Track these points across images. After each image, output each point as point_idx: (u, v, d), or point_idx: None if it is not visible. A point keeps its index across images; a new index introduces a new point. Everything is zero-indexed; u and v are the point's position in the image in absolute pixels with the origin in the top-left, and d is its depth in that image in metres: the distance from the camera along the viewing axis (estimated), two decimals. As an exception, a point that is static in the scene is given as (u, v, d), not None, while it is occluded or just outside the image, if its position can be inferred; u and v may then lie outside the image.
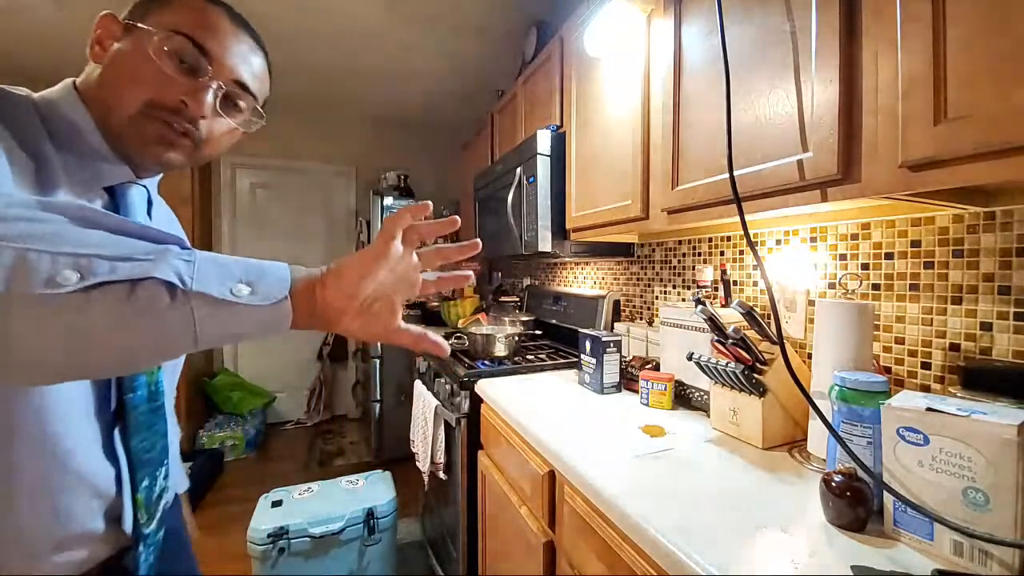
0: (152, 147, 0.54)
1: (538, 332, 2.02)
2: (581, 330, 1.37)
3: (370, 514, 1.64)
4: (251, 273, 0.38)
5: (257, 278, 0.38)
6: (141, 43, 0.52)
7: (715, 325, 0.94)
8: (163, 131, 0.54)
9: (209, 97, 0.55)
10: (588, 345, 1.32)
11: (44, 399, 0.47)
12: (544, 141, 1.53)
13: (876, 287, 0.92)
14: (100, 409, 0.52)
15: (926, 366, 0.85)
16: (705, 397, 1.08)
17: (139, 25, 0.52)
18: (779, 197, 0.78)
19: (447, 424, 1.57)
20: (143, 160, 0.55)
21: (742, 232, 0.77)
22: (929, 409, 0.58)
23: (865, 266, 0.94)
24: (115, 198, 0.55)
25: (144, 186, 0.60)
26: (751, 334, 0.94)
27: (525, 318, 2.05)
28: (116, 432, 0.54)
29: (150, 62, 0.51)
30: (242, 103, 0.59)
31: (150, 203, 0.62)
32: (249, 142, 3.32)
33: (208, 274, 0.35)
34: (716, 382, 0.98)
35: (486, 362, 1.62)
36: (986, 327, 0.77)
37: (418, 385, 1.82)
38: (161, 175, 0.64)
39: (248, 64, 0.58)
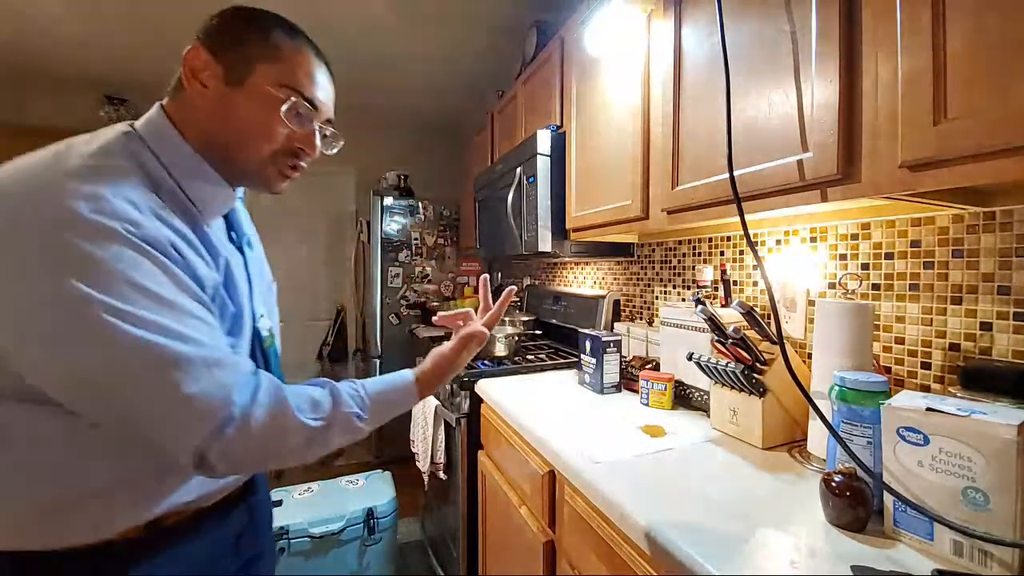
0: (274, 183, 0.65)
1: (538, 332, 2.02)
2: (581, 330, 1.37)
3: (370, 514, 1.64)
4: (395, 401, 0.66)
5: (397, 401, 0.66)
6: (266, 104, 0.59)
7: (715, 325, 0.93)
8: (285, 171, 0.64)
9: (318, 140, 0.65)
10: (588, 345, 1.32)
11: None
12: (544, 141, 1.53)
13: (876, 287, 0.92)
14: None
15: (926, 366, 0.85)
16: (705, 397, 1.08)
17: (251, 77, 0.58)
18: (779, 197, 0.78)
19: (447, 424, 1.57)
20: (259, 190, 0.67)
21: (742, 232, 0.77)
22: (929, 409, 0.58)
23: (865, 266, 0.94)
24: (227, 214, 0.68)
25: (240, 199, 0.72)
26: (751, 334, 0.94)
27: (525, 318, 2.06)
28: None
29: (279, 123, 0.59)
30: (328, 131, 0.67)
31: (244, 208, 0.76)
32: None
33: (375, 414, 0.62)
34: (716, 382, 0.98)
35: (486, 362, 1.62)
36: (986, 327, 0.77)
37: (418, 385, 1.82)
38: None
39: (331, 100, 0.67)
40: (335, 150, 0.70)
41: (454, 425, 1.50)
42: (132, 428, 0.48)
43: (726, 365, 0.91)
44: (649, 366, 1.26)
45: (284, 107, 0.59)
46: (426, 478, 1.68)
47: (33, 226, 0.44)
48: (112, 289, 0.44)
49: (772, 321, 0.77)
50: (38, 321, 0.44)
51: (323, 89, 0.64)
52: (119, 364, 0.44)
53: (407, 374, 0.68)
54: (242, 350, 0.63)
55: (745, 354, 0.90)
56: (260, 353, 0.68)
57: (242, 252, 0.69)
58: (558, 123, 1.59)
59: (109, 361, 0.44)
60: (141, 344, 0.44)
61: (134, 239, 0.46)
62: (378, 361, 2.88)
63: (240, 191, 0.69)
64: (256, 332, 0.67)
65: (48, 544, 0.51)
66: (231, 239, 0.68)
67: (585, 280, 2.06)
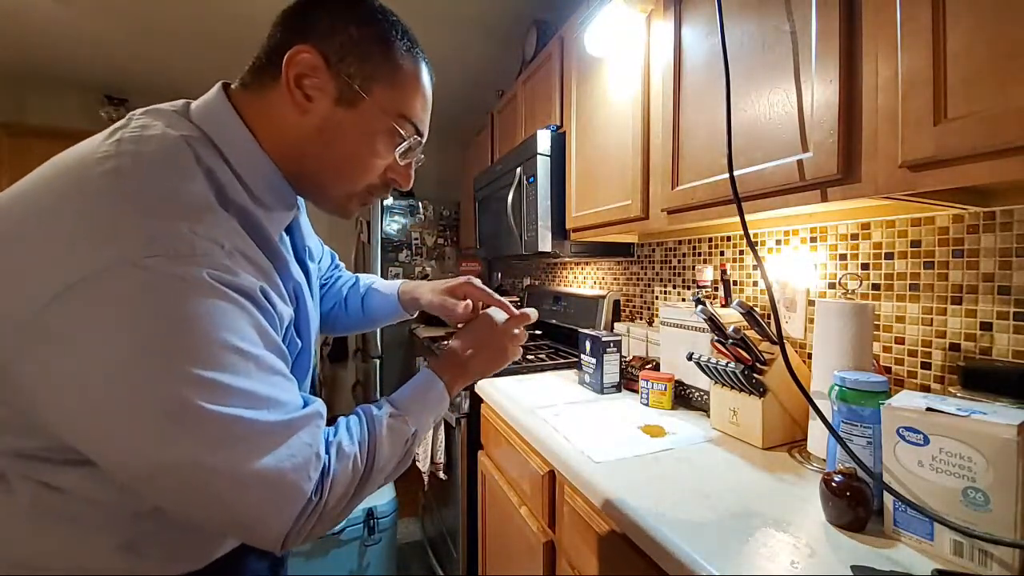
0: (350, 212, 0.58)
1: (538, 332, 2.02)
2: (581, 330, 1.37)
3: (370, 514, 1.64)
4: (432, 410, 0.59)
5: (434, 406, 0.60)
6: (379, 136, 0.51)
7: (715, 325, 0.93)
8: (366, 200, 0.58)
9: (412, 171, 0.58)
10: (588, 345, 1.32)
11: None
12: (544, 141, 1.53)
13: (876, 287, 0.92)
14: None
15: (926, 366, 0.85)
16: (705, 397, 1.08)
17: (367, 100, 0.50)
18: (779, 197, 0.78)
19: (447, 424, 1.57)
20: (327, 211, 0.59)
21: (742, 232, 0.77)
22: (929, 409, 0.58)
23: (865, 266, 0.94)
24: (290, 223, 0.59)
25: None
26: (751, 334, 0.94)
27: (525, 318, 2.05)
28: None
29: (383, 156, 0.53)
30: (421, 156, 0.60)
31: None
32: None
33: (422, 424, 0.57)
34: (716, 382, 0.98)
35: (486, 362, 1.62)
36: (986, 327, 0.77)
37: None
38: None
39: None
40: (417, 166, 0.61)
41: (454, 425, 1.50)
42: (207, 520, 0.41)
43: (726, 365, 0.91)
44: (649, 366, 1.26)
45: (402, 146, 0.52)
46: (426, 478, 1.68)
47: (114, 287, 0.35)
48: (198, 356, 0.37)
49: (772, 321, 0.77)
50: (102, 394, 0.36)
51: (428, 111, 0.56)
52: (202, 448, 0.37)
53: (429, 374, 0.62)
54: (306, 386, 0.57)
55: (745, 354, 0.90)
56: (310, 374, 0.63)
57: (307, 269, 0.61)
58: (558, 123, 1.59)
59: (192, 446, 0.37)
60: (228, 421, 0.38)
61: (223, 288, 0.39)
62: (378, 361, 2.88)
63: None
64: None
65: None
66: (295, 249, 0.59)
67: (585, 280, 2.06)
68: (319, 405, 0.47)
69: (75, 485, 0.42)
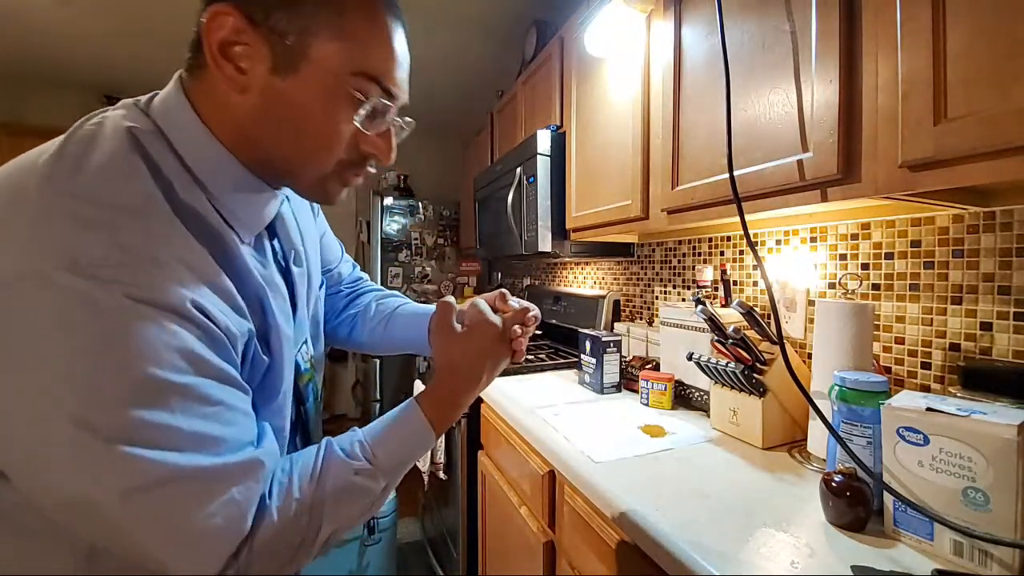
0: (332, 197, 0.50)
1: (538, 332, 2.02)
2: (581, 330, 1.37)
3: (370, 514, 1.64)
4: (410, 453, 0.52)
5: (403, 431, 0.52)
6: (332, 102, 0.43)
7: (715, 325, 0.93)
8: (348, 180, 0.49)
9: (394, 142, 0.50)
10: (588, 345, 1.32)
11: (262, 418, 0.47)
12: (544, 141, 1.53)
13: (876, 287, 0.92)
14: (291, 422, 0.54)
15: (926, 366, 0.85)
16: (705, 397, 1.08)
17: (309, 61, 0.41)
18: (779, 197, 0.78)
19: (447, 424, 1.57)
20: (312, 200, 0.55)
21: (742, 232, 0.77)
22: (929, 409, 0.58)
23: (865, 266, 0.94)
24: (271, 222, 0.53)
25: (285, 196, 0.56)
26: (751, 334, 0.94)
27: (525, 318, 2.05)
28: (298, 440, 0.58)
29: (348, 124, 0.44)
30: (401, 121, 0.51)
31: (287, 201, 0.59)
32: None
33: (390, 472, 0.50)
34: (716, 382, 0.98)
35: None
36: (986, 327, 0.77)
37: (418, 385, 1.82)
38: None
39: (408, 79, 0.49)
40: (403, 138, 0.52)
41: (454, 425, 1.50)
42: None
43: (726, 365, 0.91)
44: (649, 366, 1.26)
45: (361, 112, 0.44)
46: (426, 478, 1.68)
47: (21, 300, 0.33)
48: (106, 387, 0.33)
49: (772, 321, 0.77)
50: (6, 414, 0.33)
51: (402, 68, 0.47)
52: (106, 486, 0.33)
53: (408, 402, 0.53)
54: (272, 407, 0.49)
55: (745, 354, 0.90)
56: (296, 395, 0.55)
57: (288, 272, 0.54)
58: (558, 123, 1.59)
59: (95, 482, 0.33)
60: (136, 461, 0.33)
61: (140, 306, 0.34)
62: (378, 361, 2.88)
63: (285, 190, 0.53)
64: (296, 367, 0.54)
65: None
66: (274, 253, 0.53)
67: (585, 280, 2.06)
68: (263, 453, 0.41)
69: (24, 497, 0.38)
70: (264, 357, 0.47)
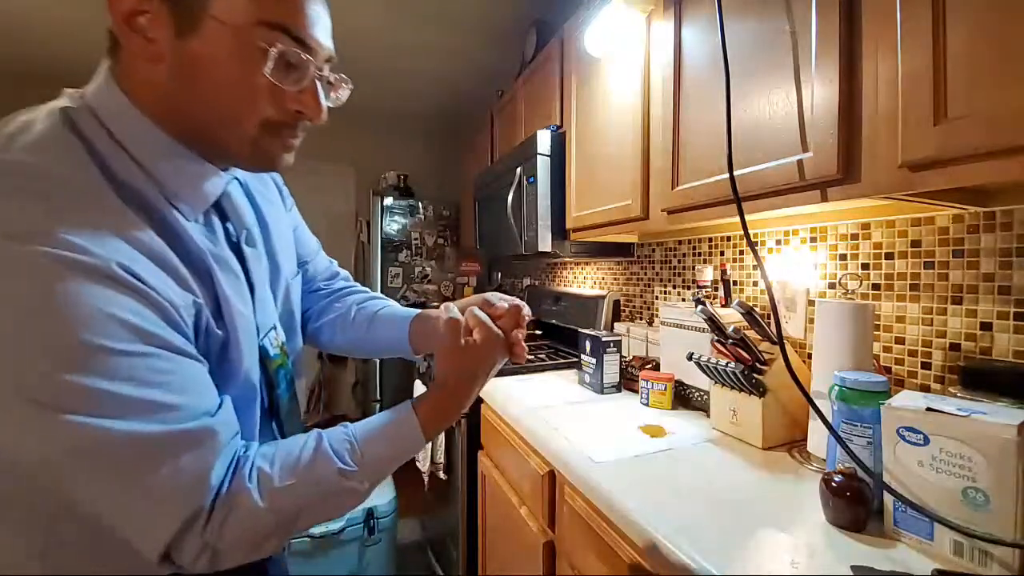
0: (275, 162, 0.49)
1: (538, 332, 2.02)
2: (581, 330, 1.37)
3: (370, 514, 1.64)
4: (391, 440, 0.51)
5: (393, 439, 0.51)
6: (238, 57, 0.41)
7: (715, 325, 0.93)
8: (286, 142, 0.48)
9: (321, 97, 0.48)
10: (588, 345, 1.32)
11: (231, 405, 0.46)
12: (544, 141, 1.53)
13: (876, 287, 0.92)
14: (262, 411, 0.54)
15: (926, 366, 0.85)
16: (705, 397, 1.08)
17: (208, 17, 0.40)
18: (779, 197, 0.78)
19: (447, 424, 1.57)
20: (257, 170, 0.53)
21: (742, 232, 0.77)
22: (929, 409, 0.58)
23: (865, 266, 0.94)
24: (218, 202, 0.52)
25: (235, 177, 0.55)
26: (751, 334, 0.94)
27: (525, 318, 2.05)
28: (273, 426, 0.58)
29: (261, 78, 0.42)
30: (332, 76, 0.49)
31: (241, 186, 0.58)
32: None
33: (376, 473, 0.49)
34: (716, 382, 0.98)
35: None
36: (986, 327, 0.77)
37: (418, 385, 1.82)
38: None
39: (329, 28, 0.48)
40: (343, 98, 0.52)
41: (454, 425, 1.50)
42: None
43: (726, 365, 0.91)
44: (649, 366, 1.26)
45: (268, 63, 0.42)
46: (426, 478, 1.68)
47: None
48: (44, 352, 0.34)
49: (772, 321, 0.77)
50: None
51: (315, 15, 0.45)
52: (52, 451, 0.35)
53: (405, 405, 0.54)
54: (237, 386, 0.49)
55: (745, 354, 0.90)
56: (265, 380, 0.54)
57: (241, 251, 0.53)
58: (558, 123, 1.59)
59: (42, 448, 0.35)
60: (79, 428, 0.34)
61: (66, 268, 0.34)
62: (378, 361, 2.88)
63: (237, 172, 0.54)
64: (262, 351, 0.53)
65: None
66: (226, 233, 0.52)
67: (585, 280, 2.06)
68: (217, 423, 0.41)
69: None
70: (218, 331, 0.46)
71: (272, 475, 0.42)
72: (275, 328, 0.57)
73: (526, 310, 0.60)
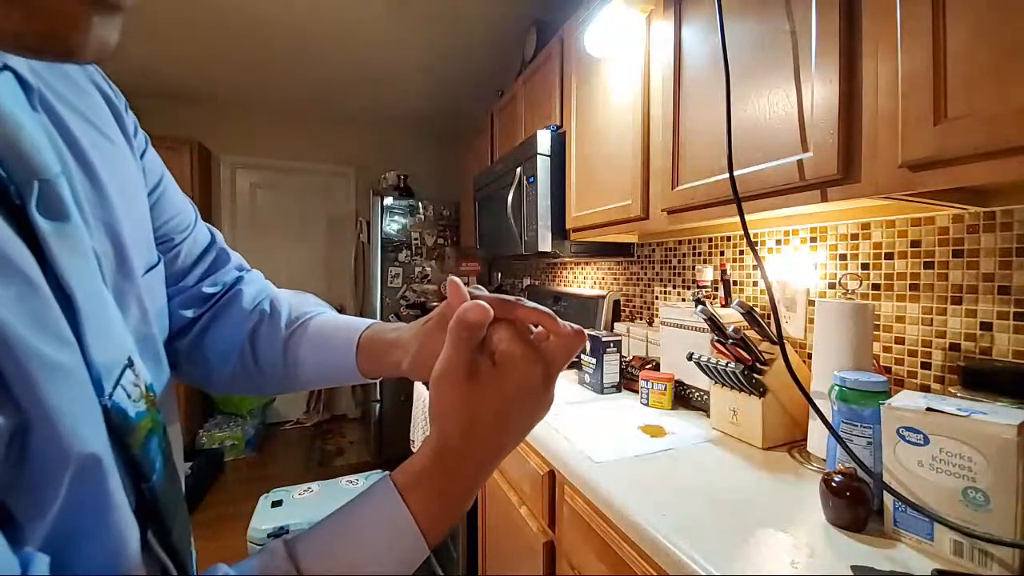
0: (71, 32, 0.22)
1: (538, 332, 2.02)
2: (581, 330, 1.37)
3: (370, 514, 1.64)
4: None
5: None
6: None
7: (715, 325, 0.93)
8: (72, 7, 0.22)
9: None
10: (588, 345, 1.32)
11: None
12: (544, 141, 1.53)
13: (876, 287, 0.92)
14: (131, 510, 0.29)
15: (926, 366, 0.85)
16: (705, 397, 1.08)
17: None
18: (779, 197, 0.78)
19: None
20: (44, 51, 0.23)
21: (742, 232, 0.77)
22: (929, 409, 0.58)
23: (865, 266, 0.94)
24: None
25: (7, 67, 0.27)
26: (751, 334, 0.94)
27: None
28: (152, 538, 0.31)
29: None
30: None
31: (27, 89, 0.28)
32: (249, 142, 3.32)
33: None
34: (716, 382, 0.98)
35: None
36: (986, 327, 0.77)
37: (418, 385, 1.82)
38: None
39: None
40: None
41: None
42: None
43: (726, 365, 0.91)
44: (649, 366, 1.26)
45: None
46: (426, 478, 1.68)
47: None
48: None
49: (772, 321, 0.77)
50: None
51: None
52: None
53: (382, 486, 0.31)
54: (64, 510, 0.24)
55: (745, 354, 0.90)
56: (126, 465, 0.28)
57: (30, 229, 0.25)
58: (558, 123, 1.59)
59: None
60: None
61: None
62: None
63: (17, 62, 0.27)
64: (112, 417, 0.27)
65: None
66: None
67: (585, 280, 2.06)
68: None
69: None
70: None
71: None
72: (130, 366, 0.30)
73: (586, 340, 0.37)
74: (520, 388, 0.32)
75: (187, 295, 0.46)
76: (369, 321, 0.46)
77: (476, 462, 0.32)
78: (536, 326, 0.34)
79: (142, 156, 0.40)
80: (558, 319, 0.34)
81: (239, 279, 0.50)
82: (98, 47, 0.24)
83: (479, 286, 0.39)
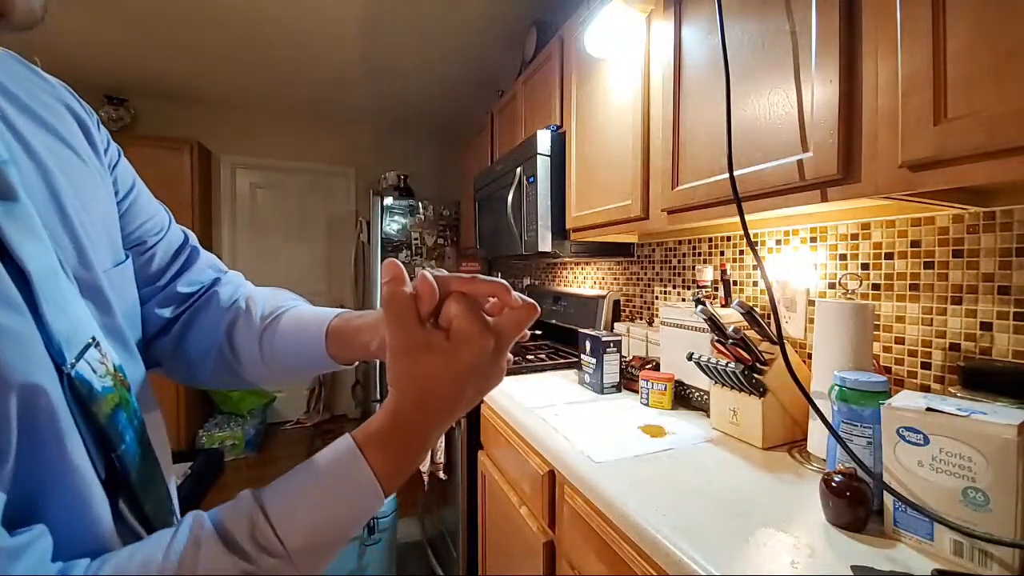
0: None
1: (538, 332, 2.02)
2: (581, 330, 1.37)
3: (370, 514, 1.64)
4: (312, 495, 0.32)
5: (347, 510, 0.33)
6: None
7: (715, 325, 0.93)
8: None
9: None
10: (588, 345, 1.32)
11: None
12: (544, 141, 1.53)
13: (876, 287, 0.92)
14: (100, 480, 0.32)
15: (926, 366, 0.85)
16: (705, 397, 1.08)
17: None
18: (779, 197, 0.78)
19: (447, 424, 1.57)
20: None
21: (742, 232, 0.77)
22: (929, 409, 0.58)
23: (865, 266, 0.94)
24: None
25: None
26: (751, 334, 0.94)
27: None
28: (127, 511, 0.34)
29: None
30: None
31: None
32: (249, 142, 3.32)
33: (322, 561, 0.33)
34: (716, 382, 0.98)
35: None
36: (986, 327, 0.77)
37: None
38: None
39: None
40: None
41: (454, 425, 1.50)
42: None
43: (726, 365, 0.91)
44: (649, 366, 1.26)
45: None
46: (426, 478, 1.68)
47: None
48: None
49: (772, 321, 0.77)
50: None
51: None
52: None
53: (343, 443, 0.35)
54: (30, 475, 0.27)
55: (745, 354, 0.90)
56: (92, 435, 0.31)
57: None
58: (558, 123, 1.59)
59: None
60: None
61: None
62: (378, 361, 2.88)
63: None
64: (75, 386, 0.30)
65: None
66: None
67: (585, 280, 2.06)
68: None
69: None
70: None
71: None
72: (95, 345, 0.33)
73: (537, 313, 0.37)
74: (472, 362, 0.34)
75: (163, 295, 0.48)
76: (339, 310, 0.49)
77: (429, 427, 0.35)
78: (492, 297, 0.36)
79: (114, 167, 0.44)
80: (511, 291, 0.36)
81: (216, 280, 0.53)
82: (25, 10, 0.27)
83: (440, 268, 0.41)
